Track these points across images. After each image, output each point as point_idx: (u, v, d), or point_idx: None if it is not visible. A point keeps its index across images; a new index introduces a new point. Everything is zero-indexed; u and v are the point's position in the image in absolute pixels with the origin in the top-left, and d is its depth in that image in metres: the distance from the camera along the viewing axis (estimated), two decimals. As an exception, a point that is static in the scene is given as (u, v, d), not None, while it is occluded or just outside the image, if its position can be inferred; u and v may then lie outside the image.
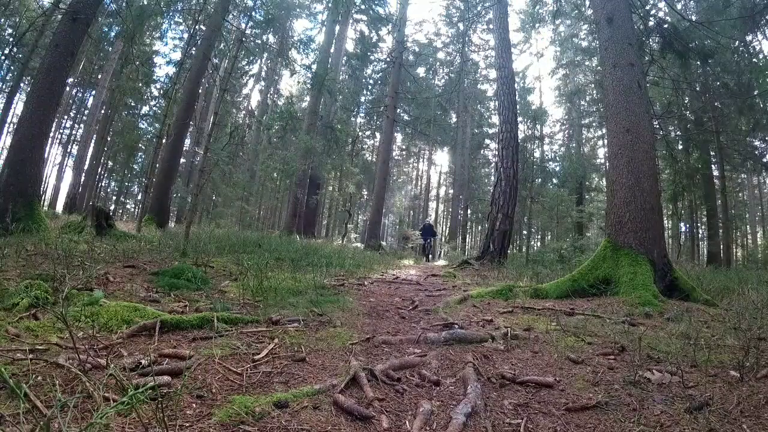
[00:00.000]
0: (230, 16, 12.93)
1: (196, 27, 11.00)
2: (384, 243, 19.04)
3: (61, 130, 20.57)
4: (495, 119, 20.43)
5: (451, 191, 26.04)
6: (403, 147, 29.99)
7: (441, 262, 10.91)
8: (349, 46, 19.53)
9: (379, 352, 2.08)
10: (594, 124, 20.48)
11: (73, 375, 1.43)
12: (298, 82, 19.04)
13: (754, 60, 9.87)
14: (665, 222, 10.82)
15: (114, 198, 27.11)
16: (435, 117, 21.86)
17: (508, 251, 9.24)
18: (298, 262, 5.33)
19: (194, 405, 1.36)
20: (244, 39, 7.87)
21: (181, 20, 14.69)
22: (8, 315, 1.99)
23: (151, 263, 3.88)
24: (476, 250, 13.32)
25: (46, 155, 7.13)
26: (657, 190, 4.53)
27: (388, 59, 18.15)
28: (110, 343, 1.83)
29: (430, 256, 14.51)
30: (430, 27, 45.48)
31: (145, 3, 9.81)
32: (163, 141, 9.47)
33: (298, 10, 18.85)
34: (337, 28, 17.63)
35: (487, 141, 25.42)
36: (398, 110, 18.35)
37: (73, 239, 4.76)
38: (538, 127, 18.10)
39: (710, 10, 8.93)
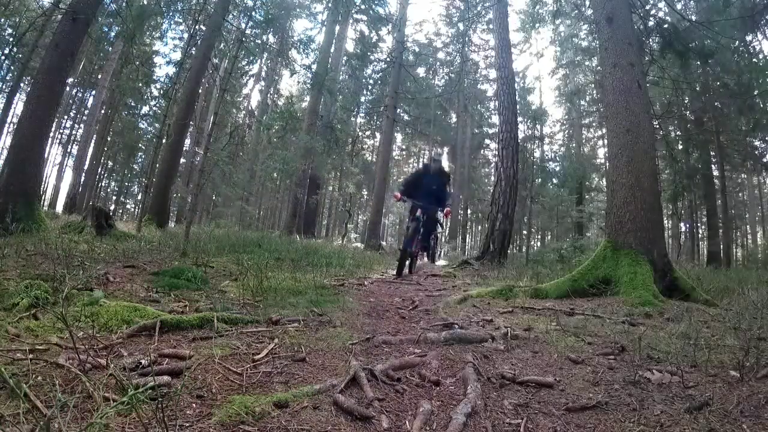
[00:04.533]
0: (230, 16, 12.91)
1: (196, 27, 11.00)
2: (384, 243, 19.02)
3: (61, 130, 20.57)
4: (495, 119, 20.45)
5: (451, 191, 26.09)
6: (403, 147, 29.98)
7: (441, 262, 10.91)
8: (349, 46, 19.54)
9: (379, 352, 2.08)
10: (594, 124, 20.50)
11: (73, 375, 1.43)
12: (298, 82, 19.10)
13: (754, 60, 9.86)
14: (665, 222, 10.82)
15: (114, 198, 27.14)
16: (435, 117, 21.87)
17: (508, 251, 9.24)
18: (298, 262, 5.33)
19: (194, 405, 1.36)
20: (244, 39, 7.86)
21: (181, 20, 14.69)
22: (8, 315, 1.99)
23: (151, 263, 3.88)
24: (476, 250, 13.31)
25: (46, 155, 7.13)
26: (657, 190, 4.53)
27: (388, 59, 18.15)
28: (110, 343, 1.83)
29: (416, 258, 6.24)
30: (430, 27, 45.47)
31: (145, 3, 9.80)
32: (163, 141, 9.47)
33: (298, 10, 18.84)
34: (337, 28, 17.63)
35: (487, 141, 25.42)
36: (398, 110, 18.35)
37: (73, 239, 4.76)
38: (538, 127, 18.11)
39: (710, 10, 8.93)
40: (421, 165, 7.15)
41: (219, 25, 10.06)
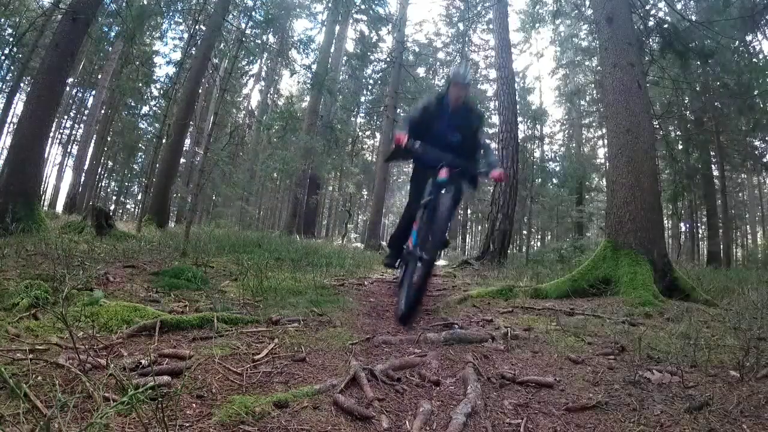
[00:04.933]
0: (230, 16, 12.91)
1: (196, 27, 11.00)
2: (384, 243, 19.01)
3: (61, 130, 20.58)
4: (495, 119, 20.41)
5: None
6: (403, 147, 29.92)
7: (441, 262, 10.90)
8: (349, 46, 19.56)
9: (379, 352, 2.08)
10: (594, 124, 20.49)
11: (73, 375, 1.43)
12: (298, 82, 19.09)
13: (754, 60, 9.86)
14: (665, 222, 10.83)
15: (114, 198, 27.14)
16: (435, 117, 21.78)
17: (508, 251, 9.24)
18: (298, 262, 5.33)
19: (194, 405, 1.36)
20: (244, 39, 7.86)
21: (181, 20, 14.69)
22: (8, 315, 1.99)
23: (151, 263, 3.88)
24: (476, 250, 13.31)
25: (46, 155, 7.13)
26: (657, 189, 4.53)
27: (388, 59, 18.15)
28: (110, 343, 1.83)
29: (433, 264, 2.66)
30: (430, 27, 45.51)
31: (145, 3, 9.80)
32: (163, 141, 9.47)
33: (298, 10, 18.85)
34: (337, 28, 17.65)
35: (487, 141, 25.37)
36: (398, 110, 18.34)
37: (73, 239, 4.76)
38: (538, 127, 18.13)
39: (710, 10, 8.93)
40: (432, 97, 3.33)
41: (219, 25, 10.06)
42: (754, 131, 10.99)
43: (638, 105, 4.34)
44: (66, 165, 20.90)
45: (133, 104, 20.55)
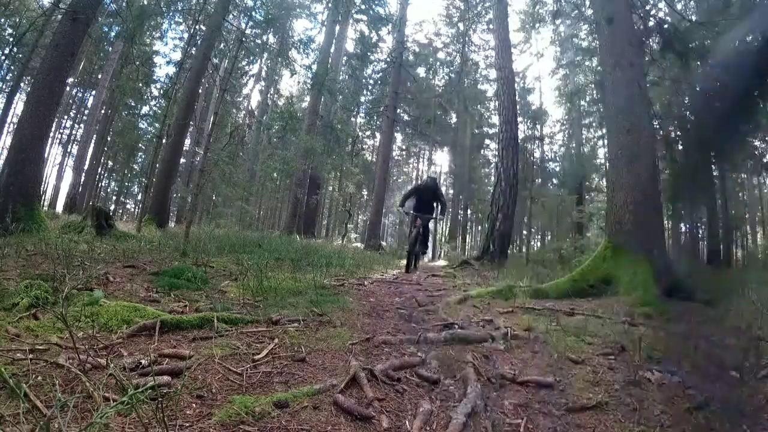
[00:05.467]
0: (230, 16, 12.91)
1: (196, 27, 10.99)
2: (384, 243, 19.02)
3: (61, 130, 20.56)
4: (495, 119, 20.41)
5: (451, 191, 26.03)
6: (403, 147, 29.94)
7: (441, 263, 10.91)
8: (349, 46, 19.53)
9: (379, 352, 2.08)
10: (594, 124, 20.47)
11: (73, 375, 1.43)
12: (298, 82, 19.07)
13: (754, 60, 9.85)
14: (665, 222, 10.82)
15: (114, 198, 27.11)
16: (435, 117, 21.85)
17: (508, 251, 9.25)
18: (298, 262, 5.33)
19: (194, 405, 1.36)
20: (244, 39, 7.86)
21: (181, 20, 14.67)
22: (8, 315, 1.99)
23: (151, 263, 3.88)
24: (476, 250, 13.31)
25: (46, 155, 7.13)
26: (657, 190, 4.53)
27: (388, 59, 18.16)
28: (110, 343, 1.83)
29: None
30: (430, 27, 45.39)
31: (145, 3, 9.80)
32: (163, 141, 9.46)
33: (298, 10, 18.82)
34: (337, 28, 17.63)
35: (487, 141, 25.38)
36: (398, 110, 18.35)
37: (73, 239, 4.76)
38: (538, 127, 18.15)
39: (710, 10, 8.92)
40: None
41: (219, 25, 10.05)
42: (754, 131, 10.98)
43: (638, 105, 4.34)
44: (66, 165, 20.90)
45: (133, 104, 20.54)
